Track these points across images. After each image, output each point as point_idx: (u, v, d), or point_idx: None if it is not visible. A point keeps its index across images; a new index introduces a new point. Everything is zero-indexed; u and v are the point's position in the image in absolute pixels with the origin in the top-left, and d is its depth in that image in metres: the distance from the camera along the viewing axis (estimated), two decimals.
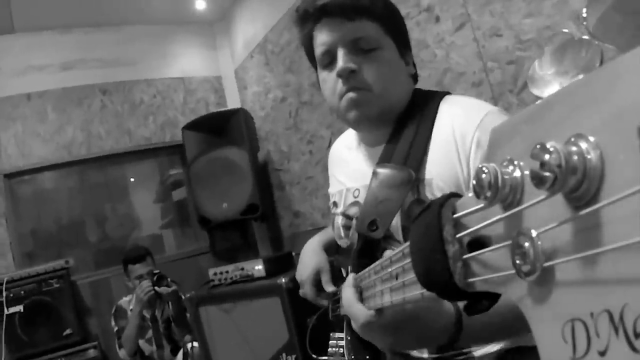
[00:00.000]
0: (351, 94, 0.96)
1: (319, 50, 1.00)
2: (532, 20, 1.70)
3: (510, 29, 1.78)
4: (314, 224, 3.20)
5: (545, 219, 0.28)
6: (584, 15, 0.34)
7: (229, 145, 3.29)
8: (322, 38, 0.98)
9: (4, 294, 2.74)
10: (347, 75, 0.95)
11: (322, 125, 3.00)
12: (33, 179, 3.51)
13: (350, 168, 1.12)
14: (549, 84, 0.38)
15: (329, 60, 0.99)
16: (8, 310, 2.72)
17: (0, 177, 3.28)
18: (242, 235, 3.79)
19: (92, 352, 2.80)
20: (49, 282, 2.87)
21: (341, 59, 0.95)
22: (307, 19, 1.01)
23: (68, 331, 2.84)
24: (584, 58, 0.33)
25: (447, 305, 0.72)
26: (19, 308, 2.74)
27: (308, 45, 1.04)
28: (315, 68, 1.06)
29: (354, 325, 0.75)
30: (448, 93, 1.02)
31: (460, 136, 0.89)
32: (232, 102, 4.03)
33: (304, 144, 3.21)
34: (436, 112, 0.96)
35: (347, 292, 0.76)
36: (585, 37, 0.33)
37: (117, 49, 3.72)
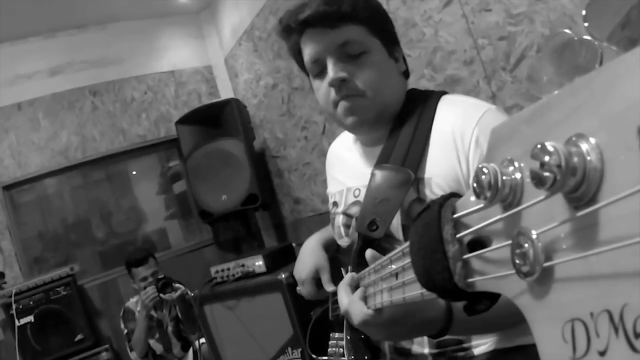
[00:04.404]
0: (345, 102, 0.97)
1: (307, 60, 1.00)
2: None
3: (500, 3, 1.70)
4: (314, 209, 3.19)
5: (545, 219, 0.28)
6: (584, 14, 0.34)
7: (223, 136, 3.29)
8: (309, 49, 0.98)
9: (14, 306, 2.79)
10: (338, 85, 0.95)
11: (315, 110, 2.96)
12: (33, 188, 3.53)
13: (350, 168, 1.12)
14: (548, 84, 0.38)
15: (319, 69, 0.99)
16: (19, 322, 2.78)
17: None
18: (245, 225, 3.81)
19: (104, 355, 2.87)
20: (56, 290, 2.91)
21: (331, 69, 0.95)
22: (290, 33, 1.01)
23: (80, 336, 2.91)
24: (584, 58, 0.33)
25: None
26: (30, 318, 2.80)
27: (297, 55, 1.04)
28: (307, 74, 1.06)
29: (352, 321, 0.76)
30: (445, 92, 1.02)
31: (459, 135, 0.89)
32: (225, 91, 3.98)
33: (298, 130, 3.18)
34: (434, 112, 0.96)
35: (342, 292, 0.78)
36: (585, 37, 0.33)
37: (104, 49, 3.67)
